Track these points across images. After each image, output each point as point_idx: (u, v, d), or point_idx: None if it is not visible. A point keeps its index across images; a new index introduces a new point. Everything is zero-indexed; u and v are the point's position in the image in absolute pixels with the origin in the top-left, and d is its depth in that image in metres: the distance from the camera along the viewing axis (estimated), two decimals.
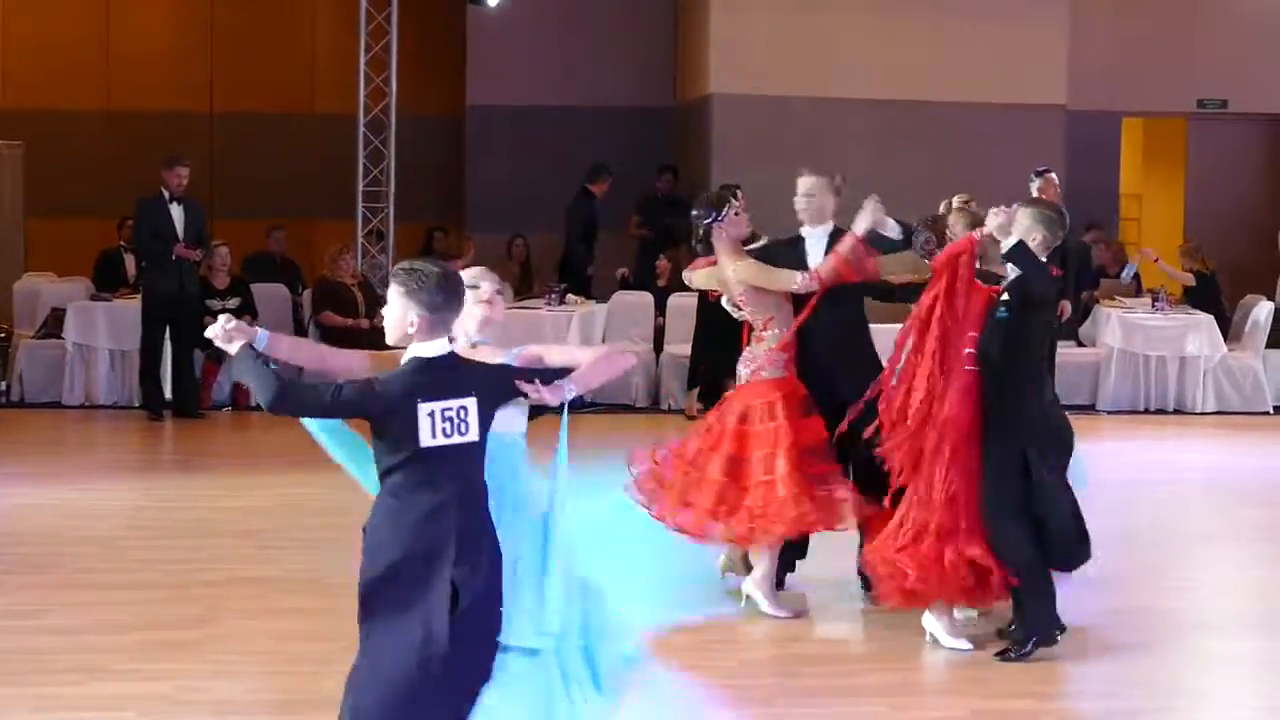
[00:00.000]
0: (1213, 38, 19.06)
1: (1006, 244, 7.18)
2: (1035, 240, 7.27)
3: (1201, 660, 7.88)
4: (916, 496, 7.40)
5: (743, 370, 8.36)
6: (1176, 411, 15.84)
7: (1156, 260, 16.96)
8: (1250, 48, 19.01)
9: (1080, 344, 16.46)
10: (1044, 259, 7.30)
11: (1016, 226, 7.24)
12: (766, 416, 8.11)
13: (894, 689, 7.16)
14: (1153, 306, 16.12)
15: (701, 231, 8.38)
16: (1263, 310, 16.37)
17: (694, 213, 8.46)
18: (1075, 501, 7.46)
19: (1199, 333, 15.92)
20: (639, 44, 19.22)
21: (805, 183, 8.68)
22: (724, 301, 8.50)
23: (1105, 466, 13.35)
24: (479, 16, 18.76)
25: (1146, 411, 15.76)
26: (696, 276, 8.69)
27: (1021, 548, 7.28)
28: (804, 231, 8.60)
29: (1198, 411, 15.80)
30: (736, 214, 8.37)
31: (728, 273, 8.30)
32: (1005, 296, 7.27)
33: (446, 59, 19.53)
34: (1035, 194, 14.91)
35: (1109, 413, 15.72)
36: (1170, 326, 15.98)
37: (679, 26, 19.18)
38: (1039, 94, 17.74)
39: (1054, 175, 15.28)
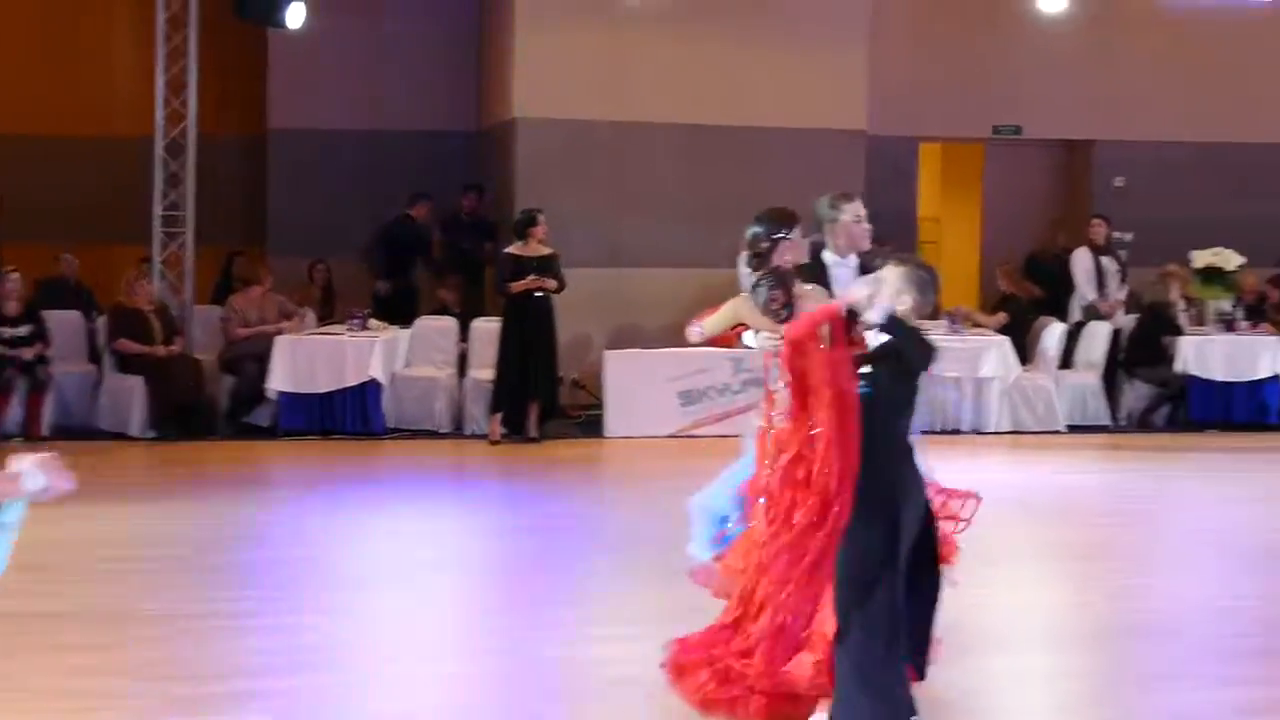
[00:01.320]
0: (1007, 66, 19.45)
1: (877, 311, 6.10)
2: (904, 305, 6.13)
3: (994, 678, 8.00)
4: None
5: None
6: (973, 432, 16.13)
7: (969, 315, 17.32)
8: (1043, 75, 19.43)
9: None
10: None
11: (885, 287, 6.15)
12: None
13: None
14: (949, 328, 16.39)
15: (765, 247, 7.49)
16: (1054, 332, 16.74)
17: (755, 230, 7.52)
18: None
19: (994, 354, 16.23)
20: (444, 68, 19.16)
21: (858, 207, 7.87)
22: (752, 338, 7.57)
23: None
24: (281, 38, 18.56)
25: (943, 432, 16.00)
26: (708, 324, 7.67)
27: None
28: (831, 259, 7.77)
29: (993, 432, 16.11)
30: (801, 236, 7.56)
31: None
32: (866, 369, 6.17)
33: (247, 81, 19.28)
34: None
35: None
36: (966, 349, 16.26)
37: (484, 50, 19.15)
38: (840, 119, 17.97)
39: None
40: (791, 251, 7.48)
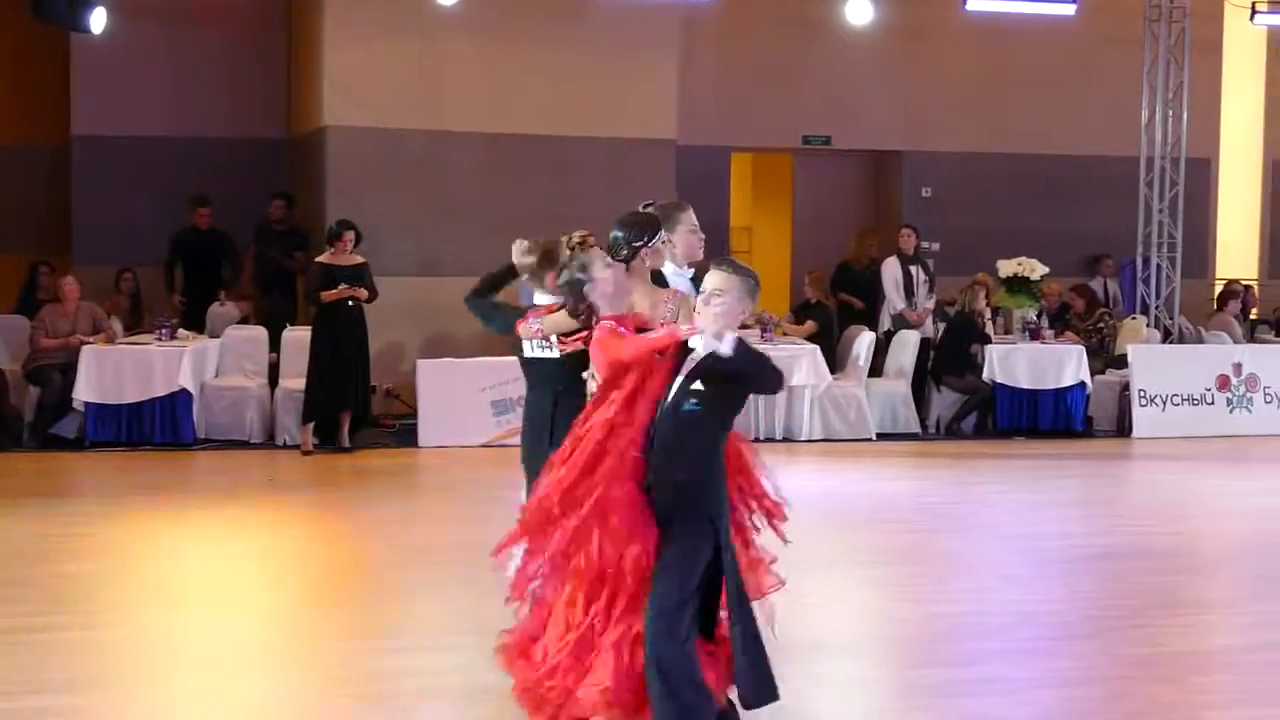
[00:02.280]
0: (817, 77, 19.66)
1: (724, 344, 5.87)
2: (741, 313, 6.12)
3: (810, 682, 8.05)
4: None
5: None
6: (785, 440, 16.26)
7: (779, 324, 17.44)
8: (852, 87, 19.68)
9: None
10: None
11: (728, 300, 6.01)
12: None
13: None
14: (761, 337, 16.50)
15: (626, 253, 7.22)
16: (865, 341, 16.93)
17: (616, 235, 7.29)
18: None
19: (805, 363, 16.37)
20: (252, 75, 18.90)
21: (693, 217, 7.84)
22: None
23: None
24: (84, 44, 18.17)
25: (756, 440, 16.11)
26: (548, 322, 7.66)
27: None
28: (670, 269, 7.68)
29: (804, 440, 16.25)
30: (664, 242, 7.39)
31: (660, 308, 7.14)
32: (697, 386, 6.04)
33: (50, 87, 18.87)
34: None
35: None
36: (778, 357, 16.34)
37: (292, 58, 18.94)
38: (650, 129, 18.05)
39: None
40: (653, 258, 7.34)
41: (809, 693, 7.91)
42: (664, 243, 7.37)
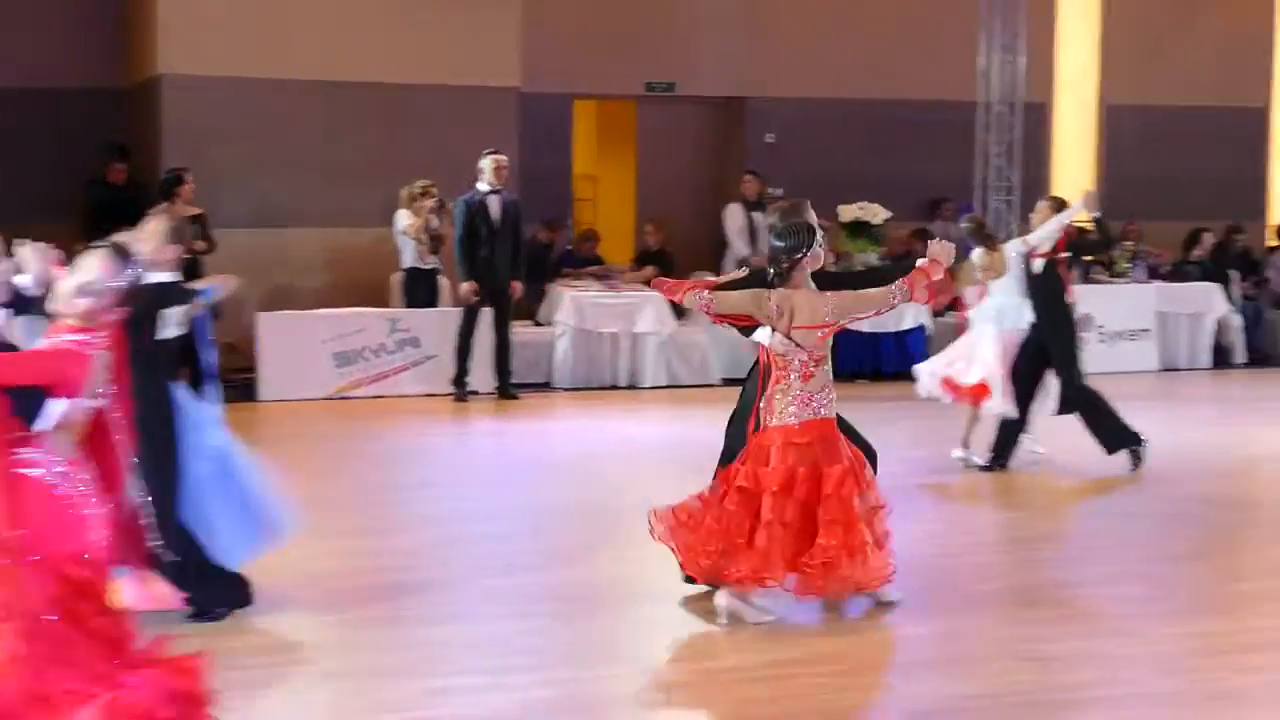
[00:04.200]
0: (661, 23, 19.62)
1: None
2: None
3: (644, 627, 8.10)
4: None
5: (801, 412, 7.75)
6: (630, 387, 16.29)
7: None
8: (696, 34, 19.67)
9: (538, 323, 16.76)
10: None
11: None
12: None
13: None
14: (605, 285, 16.51)
15: (786, 264, 7.74)
16: None
17: (780, 244, 7.75)
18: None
19: (650, 310, 16.39)
20: (83, 22, 18.46)
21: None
22: (765, 335, 7.82)
23: (563, 443, 13.69)
24: None
25: (602, 388, 16.13)
26: (728, 301, 7.93)
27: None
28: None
29: (649, 386, 16.28)
30: (821, 247, 7.87)
31: (819, 305, 7.70)
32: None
33: None
34: (486, 171, 15.22)
35: (566, 390, 16.05)
36: (622, 304, 16.41)
37: (126, 5, 18.55)
38: (492, 76, 17.91)
39: (503, 156, 15.48)
40: (811, 262, 7.80)
41: (635, 635, 7.96)
42: (820, 245, 7.80)
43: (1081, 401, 12.04)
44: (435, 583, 8.79)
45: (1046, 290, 12.02)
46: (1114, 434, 12.09)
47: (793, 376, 7.72)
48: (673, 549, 8.07)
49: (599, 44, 19.43)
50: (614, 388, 16.18)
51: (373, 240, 16.70)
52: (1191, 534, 10.22)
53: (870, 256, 17.99)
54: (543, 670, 7.27)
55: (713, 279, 8.64)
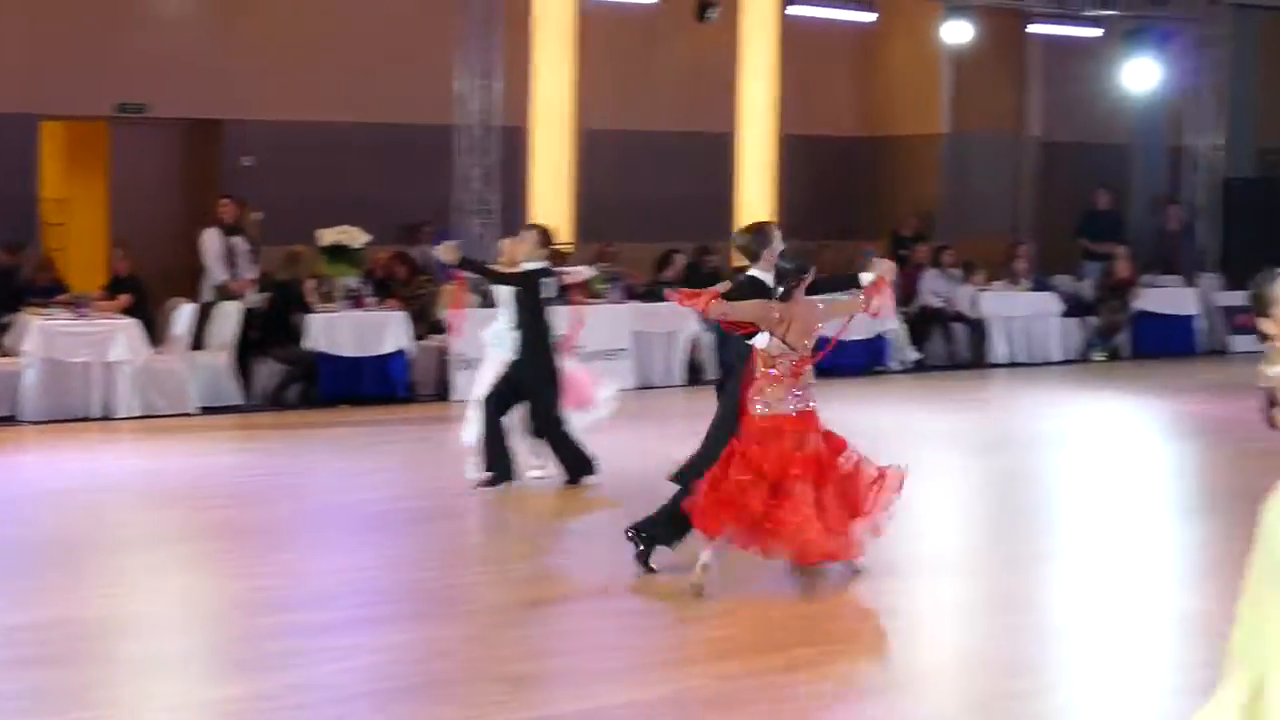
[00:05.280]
0: (130, 43, 19.05)
1: None
2: None
3: (123, 665, 7.84)
4: None
5: (796, 404, 9.06)
6: (103, 418, 15.71)
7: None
8: (167, 54, 19.16)
9: (3, 354, 16.04)
10: None
11: None
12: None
13: None
14: (75, 313, 15.94)
15: (794, 283, 9.12)
16: (184, 313, 16.59)
17: (787, 267, 9.18)
18: None
19: (123, 337, 15.88)
20: None
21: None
22: (764, 340, 9.05)
23: (30, 479, 13.11)
24: None
25: (73, 420, 15.52)
26: (739, 310, 9.15)
27: None
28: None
29: (123, 417, 15.74)
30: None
31: (814, 314, 9.17)
32: None
33: None
34: None
35: (34, 423, 15.37)
36: (94, 332, 15.85)
37: None
38: None
39: None
40: (808, 281, 9.26)
41: (118, 675, 7.70)
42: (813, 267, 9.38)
43: (550, 429, 12.19)
44: None
45: (530, 319, 12.13)
46: (576, 463, 12.30)
47: (785, 374, 9.01)
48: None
49: (65, 64, 18.72)
50: (86, 419, 15.59)
51: None
52: (666, 548, 10.47)
53: (350, 280, 17.89)
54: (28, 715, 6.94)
55: (716, 289, 9.56)
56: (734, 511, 8.94)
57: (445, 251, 12.54)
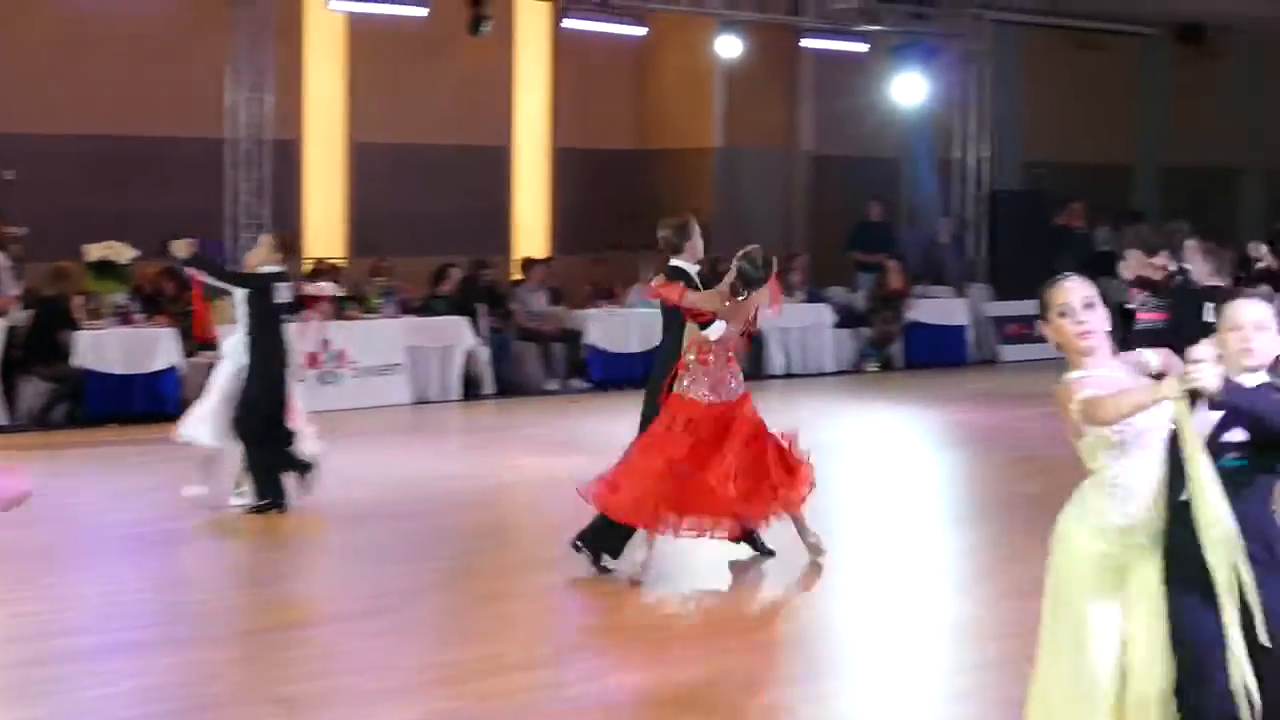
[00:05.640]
0: None
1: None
2: None
3: None
4: None
5: (739, 388, 9.88)
6: None
7: None
8: None
9: None
10: None
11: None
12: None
13: None
14: None
15: (756, 283, 9.79)
16: None
17: (747, 267, 9.78)
18: None
19: None
20: None
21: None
22: (718, 329, 9.74)
23: None
24: None
25: None
26: (702, 299, 9.85)
27: None
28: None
29: None
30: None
31: (750, 304, 9.85)
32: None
33: None
34: None
35: None
36: None
37: None
38: None
39: None
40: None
41: None
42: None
43: (255, 440, 11.90)
44: None
45: (260, 324, 11.91)
46: (268, 489, 11.89)
47: (723, 361, 9.78)
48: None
49: None
50: None
51: None
52: (439, 565, 10.40)
53: (119, 297, 17.51)
54: None
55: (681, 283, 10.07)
56: (662, 497, 9.53)
57: (179, 247, 12.27)
